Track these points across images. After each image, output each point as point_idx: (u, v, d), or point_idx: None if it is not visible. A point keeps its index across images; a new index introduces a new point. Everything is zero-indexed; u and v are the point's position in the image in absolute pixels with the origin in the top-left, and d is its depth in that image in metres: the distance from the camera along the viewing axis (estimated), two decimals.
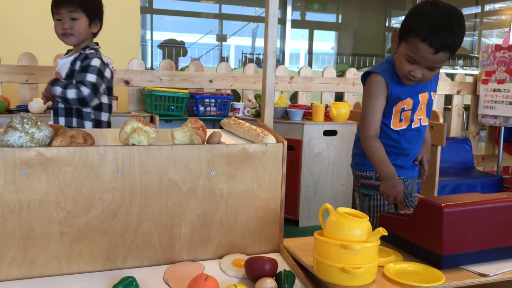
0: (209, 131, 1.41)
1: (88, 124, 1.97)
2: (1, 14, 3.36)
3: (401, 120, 1.64)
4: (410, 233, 1.29)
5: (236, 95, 3.68)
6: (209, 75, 3.33)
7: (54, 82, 1.89)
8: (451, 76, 4.10)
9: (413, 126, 1.65)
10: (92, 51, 1.97)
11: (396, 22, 9.53)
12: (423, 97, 1.63)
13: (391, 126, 1.65)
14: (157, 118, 2.84)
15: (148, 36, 7.19)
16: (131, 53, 3.78)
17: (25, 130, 1.15)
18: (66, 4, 1.93)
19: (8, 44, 3.13)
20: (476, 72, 5.00)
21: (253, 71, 3.53)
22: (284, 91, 3.51)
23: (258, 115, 3.16)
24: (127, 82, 3.07)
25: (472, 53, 9.04)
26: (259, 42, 8.28)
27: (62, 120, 1.97)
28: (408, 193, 1.72)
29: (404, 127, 1.64)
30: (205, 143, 1.34)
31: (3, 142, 1.14)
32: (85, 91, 1.83)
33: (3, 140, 1.14)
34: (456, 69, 7.74)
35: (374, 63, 8.62)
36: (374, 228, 1.16)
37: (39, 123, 1.18)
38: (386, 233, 1.12)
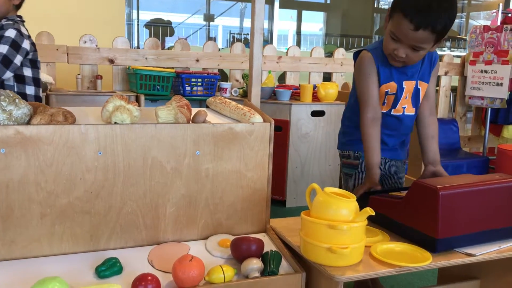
0: (195, 110, 1.38)
1: None
2: None
3: (383, 103, 1.60)
4: (403, 216, 1.27)
5: (223, 75, 3.63)
6: (196, 54, 3.28)
7: None
8: (439, 58, 4.10)
9: (393, 112, 1.61)
10: (10, 22, 1.91)
11: (385, 3, 9.49)
12: (408, 84, 1.59)
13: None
14: (142, 97, 2.79)
15: (134, 16, 7.06)
16: (117, 32, 3.70)
17: (2, 107, 1.11)
18: None
19: None
20: (463, 54, 5.00)
21: (240, 50, 3.48)
22: (272, 71, 3.47)
23: (245, 95, 3.13)
24: (111, 61, 3.00)
25: (460, 35, 9.05)
26: (247, 22, 8.20)
27: None
28: (390, 173, 1.70)
29: (384, 111, 1.60)
30: (190, 122, 1.31)
31: None
32: None
33: None
34: (444, 50, 7.75)
35: (362, 44, 8.60)
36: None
37: (17, 100, 1.14)
38: (373, 213, 1.10)
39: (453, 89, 4.13)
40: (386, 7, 9.31)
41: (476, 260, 1.20)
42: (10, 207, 1.13)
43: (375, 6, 9.52)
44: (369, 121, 1.53)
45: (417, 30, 1.40)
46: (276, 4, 7.10)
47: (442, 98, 3.99)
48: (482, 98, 3.57)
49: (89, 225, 1.20)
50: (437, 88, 4.02)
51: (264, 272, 1.15)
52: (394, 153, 1.69)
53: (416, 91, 1.62)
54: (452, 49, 8.20)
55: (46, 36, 2.87)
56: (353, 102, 1.66)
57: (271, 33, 7.21)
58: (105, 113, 1.22)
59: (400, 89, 1.58)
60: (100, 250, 1.22)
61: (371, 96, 1.54)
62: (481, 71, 3.53)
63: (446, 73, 3.95)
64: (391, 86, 1.57)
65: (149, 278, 1.06)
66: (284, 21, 8.51)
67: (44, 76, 2.71)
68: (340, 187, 1.79)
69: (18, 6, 1.99)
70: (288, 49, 3.71)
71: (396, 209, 1.30)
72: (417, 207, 1.23)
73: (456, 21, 8.93)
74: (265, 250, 1.21)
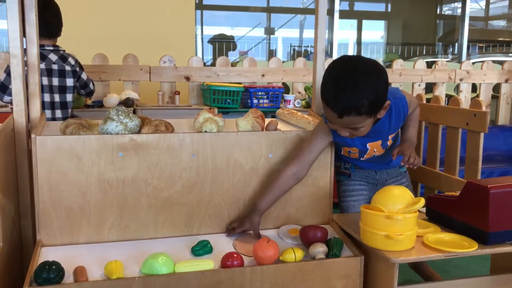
0: (267, 120, 1.64)
1: None
2: (75, 18, 3.73)
3: (349, 154, 1.66)
4: (458, 213, 1.41)
5: (286, 88, 3.88)
6: (262, 69, 3.56)
7: None
8: (501, 64, 4.12)
9: (363, 159, 1.66)
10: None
11: (448, 9, 9.36)
12: (372, 145, 1.59)
13: (341, 153, 1.69)
14: (215, 109, 3.09)
15: (198, 31, 7.47)
16: (187, 49, 4.07)
17: (120, 120, 1.42)
18: None
19: (83, 45, 3.48)
20: None
21: (302, 64, 3.72)
22: None
23: (308, 106, 3.36)
24: (187, 78, 3.35)
25: None
26: (307, 34, 8.36)
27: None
28: (383, 180, 1.76)
29: (354, 158, 1.68)
30: (264, 130, 1.56)
31: (103, 131, 1.41)
32: None
33: (103, 128, 1.41)
34: (510, 56, 7.55)
35: (424, 53, 8.53)
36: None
37: (130, 114, 1.44)
38: (423, 204, 1.29)
39: None
40: (450, 12, 9.18)
41: None
42: (125, 198, 1.43)
43: (438, 12, 9.40)
44: (287, 174, 1.49)
45: (342, 117, 1.35)
46: (336, 15, 7.24)
47: (503, 106, 4.00)
48: None
49: (185, 214, 1.48)
50: (498, 95, 4.04)
51: (328, 255, 1.37)
52: (381, 164, 1.73)
53: (385, 145, 1.61)
54: None
55: (132, 58, 3.26)
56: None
57: (331, 43, 7.34)
58: (197, 123, 1.51)
59: (364, 149, 1.60)
60: (194, 235, 1.49)
61: (306, 156, 1.50)
62: None
63: (506, 81, 3.97)
64: (353, 149, 1.63)
65: (235, 255, 1.31)
66: (345, 30, 8.60)
67: (131, 93, 3.09)
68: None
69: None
70: None
71: (450, 206, 1.44)
72: (471, 204, 1.36)
73: None
74: (328, 237, 1.43)
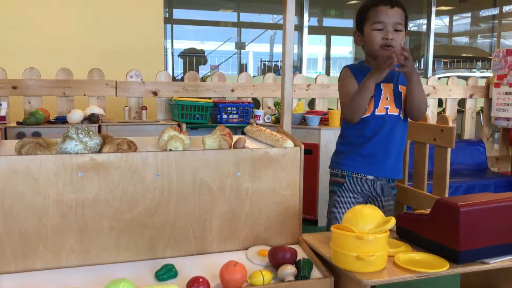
0: (235, 138, 1.60)
1: None
2: (38, 32, 3.62)
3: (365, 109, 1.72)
4: (428, 231, 1.39)
5: (256, 103, 3.86)
6: (231, 84, 3.53)
7: None
8: (466, 79, 4.22)
9: (377, 113, 1.71)
10: None
11: (414, 25, 9.61)
12: (386, 86, 1.72)
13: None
14: (183, 126, 3.04)
15: (168, 45, 7.43)
16: (156, 64, 4.01)
17: (80, 139, 1.35)
18: None
19: (46, 59, 3.38)
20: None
21: (272, 80, 3.72)
22: (302, 98, 3.68)
23: (277, 121, 3.34)
24: (155, 93, 3.29)
25: (491, 55, 9.06)
26: (277, 48, 8.43)
27: None
28: (375, 195, 1.77)
29: (368, 114, 1.71)
30: (232, 147, 1.52)
31: (61, 150, 1.34)
32: None
33: (62, 148, 1.34)
34: (474, 72, 7.78)
35: None
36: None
37: (90, 133, 1.38)
38: (394, 224, 1.27)
39: (482, 110, 4.24)
40: (415, 29, 9.40)
41: (489, 267, 1.32)
42: (85, 221, 1.36)
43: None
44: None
45: (393, 8, 1.68)
46: (305, 30, 7.32)
47: (468, 120, 4.09)
48: (508, 119, 3.67)
49: (149, 237, 1.42)
50: (463, 109, 4.13)
51: (297, 277, 1.33)
52: (381, 170, 1.75)
53: (397, 94, 1.74)
54: (481, 70, 8.21)
55: (97, 72, 3.18)
56: (344, 120, 1.80)
57: (300, 58, 7.42)
58: (161, 141, 1.45)
59: (378, 91, 1.71)
60: (158, 258, 1.43)
61: (351, 93, 1.70)
62: (506, 93, 3.64)
63: (471, 96, 4.06)
64: None
65: (201, 280, 1.26)
66: (314, 45, 8.71)
67: (96, 109, 3.01)
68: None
69: None
70: (317, 76, 3.92)
71: (421, 225, 1.42)
72: (441, 223, 1.34)
73: (487, 41, 8.94)
74: (298, 258, 1.40)
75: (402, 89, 1.75)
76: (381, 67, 1.61)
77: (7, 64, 3.05)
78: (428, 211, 1.46)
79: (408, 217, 1.50)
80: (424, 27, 7.64)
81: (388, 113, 1.73)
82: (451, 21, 9.14)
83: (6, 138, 2.71)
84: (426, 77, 5.60)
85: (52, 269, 1.34)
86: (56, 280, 1.28)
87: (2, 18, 3.45)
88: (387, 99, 1.73)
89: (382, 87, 1.73)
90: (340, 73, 1.80)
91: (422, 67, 7.55)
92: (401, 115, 1.76)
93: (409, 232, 1.47)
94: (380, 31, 1.69)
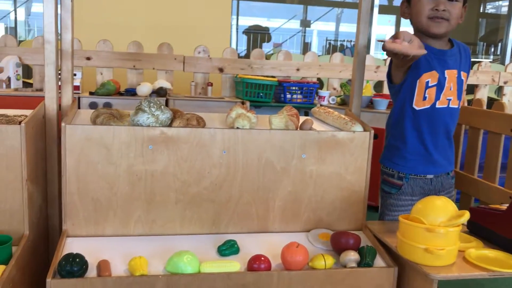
0: (302, 118, 1.57)
1: None
2: (111, 5, 3.74)
3: (424, 98, 1.53)
4: (503, 228, 1.32)
5: (320, 82, 3.79)
6: (297, 64, 3.48)
7: None
8: None
9: (438, 105, 1.53)
10: None
11: (492, 7, 9.02)
12: (450, 73, 1.52)
13: (413, 105, 1.56)
14: (247, 104, 3.05)
15: (234, 22, 7.44)
16: (222, 40, 4.03)
17: (152, 112, 1.38)
18: None
19: (118, 33, 3.48)
20: None
21: (339, 60, 3.63)
22: (370, 80, 3.57)
23: (343, 103, 3.27)
24: (221, 70, 3.31)
25: None
26: (343, 27, 8.22)
27: None
28: (436, 191, 1.65)
29: (427, 106, 1.54)
30: (298, 129, 1.50)
31: (134, 122, 1.38)
32: None
33: (134, 120, 1.38)
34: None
35: None
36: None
37: (162, 107, 1.40)
38: (468, 218, 1.20)
39: None
40: (493, 11, 8.84)
41: None
42: (153, 192, 1.40)
43: (480, 11, 9.08)
44: None
45: None
46: (375, 10, 7.08)
47: None
48: None
49: (213, 211, 1.44)
50: None
51: (360, 264, 1.30)
52: (439, 167, 1.63)
53: (460, 82, 1.55)
54: None
55: (167, 47, 3.24)
56: (398, 110, 1.62)
57: (369, 39, 7.20)
58: (229, 119, 1.46)
59: (443, 79, 1.52)
60: (221, 233, 1.45)
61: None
62: None
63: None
64: (433, 76, 1.51)
65: (262, 258, 1.26)
66: (383, 25, 8.42)
67: (164, 83, 3.08)
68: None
69: None
70: (386, 58, 3.78)
71: (496, 220, 1.36)
72: None
73: None
74: (361, 245, 1.37)
75: (464, 76, 1.58)
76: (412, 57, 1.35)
77: (81, 36, 3.17)
78: (503, 206, 1.38)
79: (481, 211, 1.42)
80: (504, 9, 7.14)
81: (450, 105, 1.56)
82: None
83: (79, 107, 2.84)
84: (503, 63, 5.25)
85: (120, 236, 1.40)
86: (123, 247, 1.33)
87: None
88: (450, 89, 1.54)
89: (446, 75, 1.53)
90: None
91: (499, 53, 7.09)
92: (459, 107, 1.61)
93: (481, 227, 1.40)
94: (431, 0, 1.47)
